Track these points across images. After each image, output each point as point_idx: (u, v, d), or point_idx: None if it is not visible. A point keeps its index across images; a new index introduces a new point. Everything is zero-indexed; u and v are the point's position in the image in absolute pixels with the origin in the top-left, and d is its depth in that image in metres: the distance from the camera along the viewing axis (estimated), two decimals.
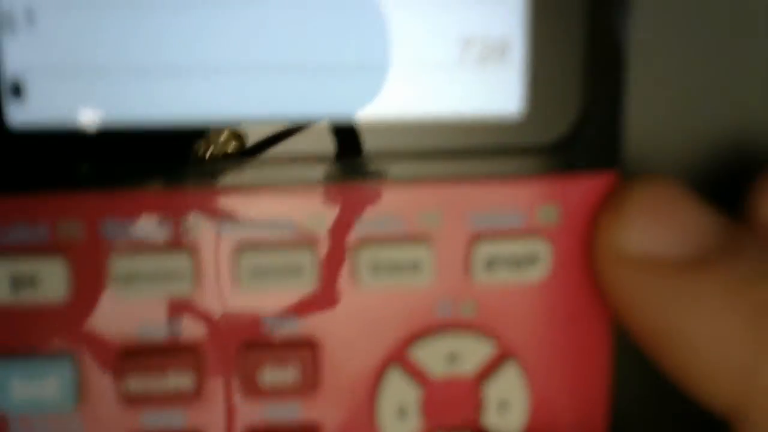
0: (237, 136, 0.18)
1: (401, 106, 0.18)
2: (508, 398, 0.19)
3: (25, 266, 0.18)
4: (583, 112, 0.18)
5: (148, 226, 0.18)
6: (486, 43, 0.18)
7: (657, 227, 0.17)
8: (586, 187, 0.19)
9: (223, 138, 0.18)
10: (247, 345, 0.19)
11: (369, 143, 0.18)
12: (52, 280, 0.18)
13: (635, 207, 0.17)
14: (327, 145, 0.18)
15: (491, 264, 0.19)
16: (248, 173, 0.18)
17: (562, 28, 0.18)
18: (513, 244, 0.19)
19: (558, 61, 0.18)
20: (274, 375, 0.19)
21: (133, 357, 0.18)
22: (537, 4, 0.18)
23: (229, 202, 0.18)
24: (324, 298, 0.19)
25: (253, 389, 0.19)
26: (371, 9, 0.17)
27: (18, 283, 0.18)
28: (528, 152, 0.18)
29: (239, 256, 0.18)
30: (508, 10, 0.18)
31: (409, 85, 0.18)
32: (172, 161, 0.18)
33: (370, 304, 0.19)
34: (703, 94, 0.21)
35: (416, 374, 0.19)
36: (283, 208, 0.18)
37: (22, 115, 0.17)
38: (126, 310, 0.18)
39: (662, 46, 0.21)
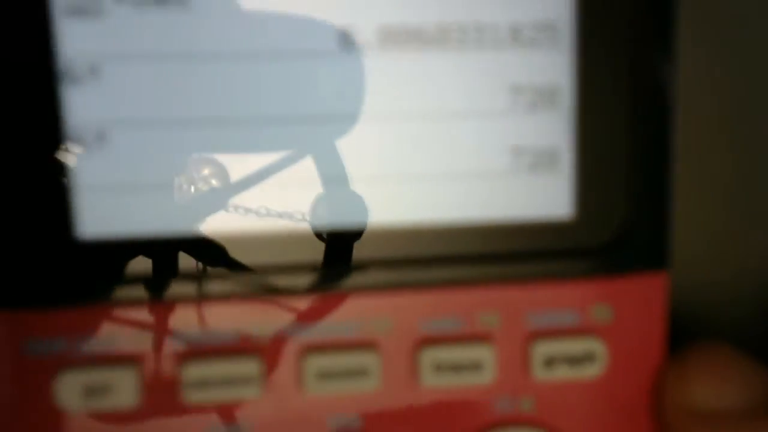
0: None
1: (461, 212, 0.19)
2: None
3: (98, 376, 0.18)
4: (630, 215, 0.19)
5: (217, 334, 0.18)
6: (536, 152, 0.19)
7: (719, 386, 0.19)
8: (638, 288, 0.20)
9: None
10: None
11: (430, 248, 0.19)
12: (124, 388, 0.18)
13: (699, 370, 0.20)
14: (391, 250, 0.19)
15: (550, 362, 0.19)
16: (313, 279, 0.19)
17: (609, 136, 0.19)
18: (570, 343, 0.19)
19: (605, 168, 0.19)
20: None
21: None
22: (584, 115, 0.19)
23: (293, 307, 0.19)
24: (386, 398, 0.19)
25: None
26: (431, 123, 0.18)
27: (90, 392, 0.18)
28: (580, 254, 0.19)
29: (304, 359, 0.19)
30: (557, 122, 0.19)
31: (469, 192, 0.19)
32: (235, 269, 0.18)
33: (431, 402, 0.19)
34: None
35: None
36: (348, 312, 0.19)
37: (91, 227, 0.18)
38: (195, 414, 0.19)
39: (710, 150, 0.22)
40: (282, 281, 0.18)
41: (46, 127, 0.17)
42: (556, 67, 0.19)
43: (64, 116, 0.17)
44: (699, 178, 0.22)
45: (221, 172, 0.18)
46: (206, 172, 0.18)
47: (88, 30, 0.17)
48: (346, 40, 0.18)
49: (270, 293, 0.18)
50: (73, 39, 0.17)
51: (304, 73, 0.18)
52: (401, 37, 0.18)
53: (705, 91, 0.22)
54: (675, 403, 0.20)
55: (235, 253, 0.18)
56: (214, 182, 0.18)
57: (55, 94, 0.17)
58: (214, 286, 0.18)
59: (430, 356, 0.19)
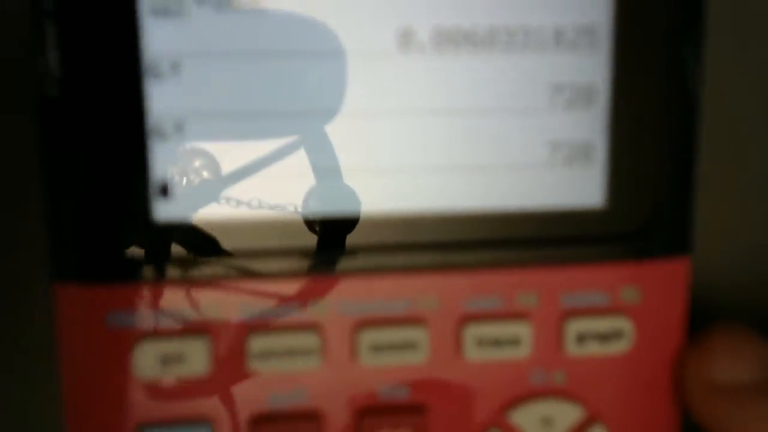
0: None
1: (503, 201, 0.20)
2: None
3: (173, 346, 0.20)
4: (658, 205, 0.21)
5: (281, 309, 0.20)
6: (572, 146, 0.21)
7: (736, 363, 0.21)
8: (664, 272, 0.21)
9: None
10: (364, 412, 0.21)
11: (473, 233, 0.20)
12: (196, 358, 0.20)
13: (718, 348, 0.21)
14: (439, 234, 0.20)
15: (581, 339, 0.21)
16: (368, 260, 0.20)
17: (640, 133, 0.20)
18: (600, 321, 0.21)
19: (636, 161, 0.21)
20: None
21: (265, 423, 0.20)
22: (618, 112, 0.20)
23: (349, 285, 0.20)
24: (432, 369, 0.21)
25: None
26: (475, 119, 0.20)
27: (166, 361, 0.20)
28: (610, 240, 0.21)
29: (359, 334, 0.20)
30: (593, 118, 0.20)
31: (510, 182, 0.20)
32: (294, 254, 0.20)
33: (473, 374, 0.21)
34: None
35: None
36: (399, 291, 0.20)
37: (167, 210, 0.19)
38: (259, 382, 0.20)
39: (732, 143, 0.23)
40: (339, 261, 0.20)
41: (131, 118, 0.19)
42: (594, 68, 0.20)
43: (147, 108, 0.19)
44: (722, 170, 0.24)
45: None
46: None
47: (171, 29, 0.19)
48: (403, 41, 0.19)
49: (328, 272, 0.20)
50: (157, 37, 0.19)
51: (364, 71, 0.19)
52: (454, 39, 0.20)
53: (730, 87, 0.24)
54: (695, 378, 0.21)
55: (295, 235, 0.20)
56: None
57: (139, 88, 0.19)
58: (275, 265, 0.20)
59: (473, 332, 0.21)
